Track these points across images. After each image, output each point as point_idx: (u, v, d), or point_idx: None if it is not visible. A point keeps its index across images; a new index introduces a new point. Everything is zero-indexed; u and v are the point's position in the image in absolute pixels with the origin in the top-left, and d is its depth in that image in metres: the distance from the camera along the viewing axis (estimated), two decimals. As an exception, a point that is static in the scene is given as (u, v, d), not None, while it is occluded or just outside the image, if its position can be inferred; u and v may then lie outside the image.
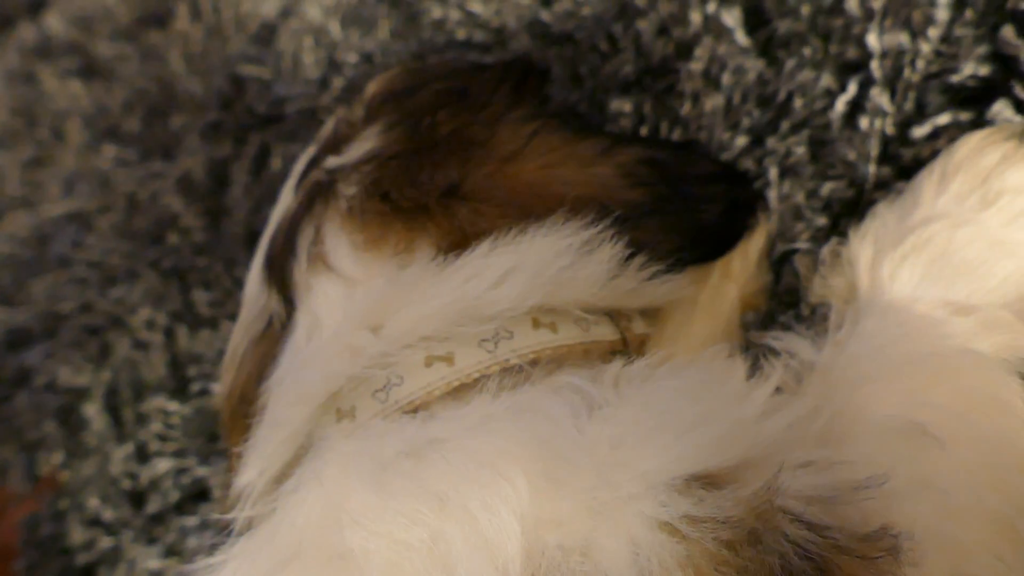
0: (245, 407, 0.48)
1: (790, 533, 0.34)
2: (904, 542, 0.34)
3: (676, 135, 0.58)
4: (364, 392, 0.43)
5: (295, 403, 0.43)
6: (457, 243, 0.45)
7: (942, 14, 0.50)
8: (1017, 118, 0.48)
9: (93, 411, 0.72)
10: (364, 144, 0.50)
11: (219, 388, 0.52)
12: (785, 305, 0.50)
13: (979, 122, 0.49)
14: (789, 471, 0.35)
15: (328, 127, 0.56)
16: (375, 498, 0.37)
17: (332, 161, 0.51)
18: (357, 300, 0.45)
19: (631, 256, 0.44)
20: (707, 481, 0.35)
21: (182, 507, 0.65)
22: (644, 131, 0.60)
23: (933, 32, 0.50)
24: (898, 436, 0.37)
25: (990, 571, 0.35)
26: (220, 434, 0.66)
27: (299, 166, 0.55)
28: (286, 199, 0.54)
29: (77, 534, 0.66)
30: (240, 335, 0.50)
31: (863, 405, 0.39)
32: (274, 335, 0.49)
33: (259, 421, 0.45)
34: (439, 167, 0.47)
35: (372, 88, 0.55)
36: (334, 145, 0.52)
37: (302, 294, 0.47)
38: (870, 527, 0.34)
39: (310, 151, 0.56)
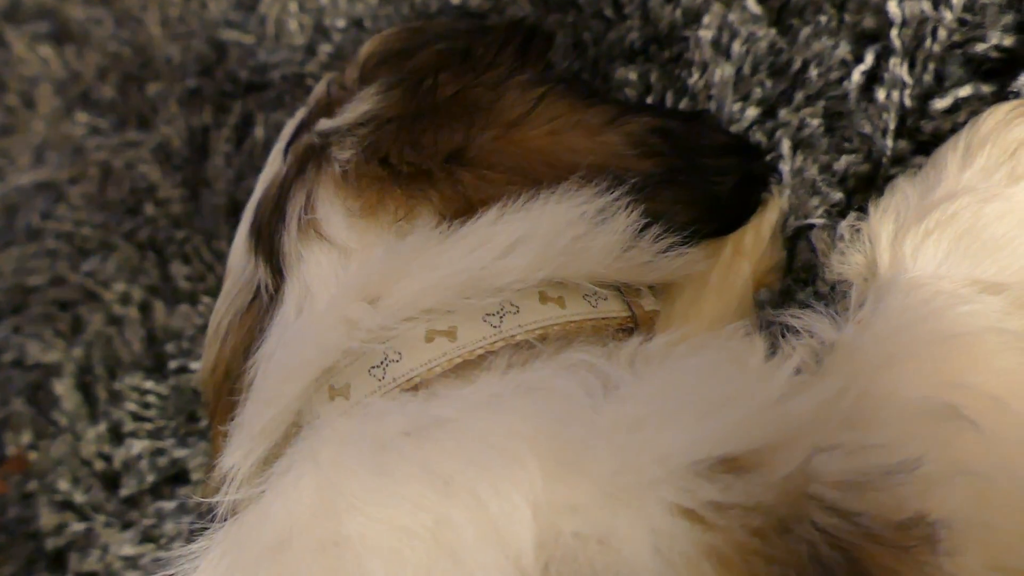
0: (230, 383, 0.45)
1: (819, 521, 0.31)
2: (941, 530, 0.32)
3: (684, 106, 0.56)
4: (360, 369, 0.40)
5: (285, 379, 0.40)
6: (461, 211, 0.42)
7: (967, -19, 0.48)
8: (1045, 90, 0.46)
9: (64, 389, 0.68)
10: (360, 106, 0.47)
11: (202, 363, 0.49)
12: (802, 282, 0.48)
13: (1002, 95, 0.47)
14: (817, 455, 0.33)
15: (320, 89, 0.53)
16: (375, 481, 0.34)
17: (325, 124, 0.48)
18: (352, 270, 0.42)
19: (646, 227, 0.42)
20: (733, 465, 0.32)
21: (159, 490, 0.62)
22: (650, 101, 0.57)
23: (957, 0, 0.48)
24: (930, 418, 0.35)
25: (1029, 562, 0.33)
26: (200, 413, 0.63)
27: (288, 129, 0.52)
28: (274, 164, 0.51)
29: (47, 518, 0.63)
30: (224, 307, 0.47)
31: (891, 386, 0.37)
32: (261, 307, 0.46)
33: (246, 398, 0.42)
34: (442, 130, 0.44)
35: (368, 48, 0.52)
36: (327, 108, 0.49)
37: (292, 264, 0.45)
38: (904, 515, 0.32)
39: (300, 114, 0.52)
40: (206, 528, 0.39)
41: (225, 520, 0.39)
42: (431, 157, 0.43)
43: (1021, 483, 0.34)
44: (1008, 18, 0.47)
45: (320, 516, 0.35)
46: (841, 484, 0.33)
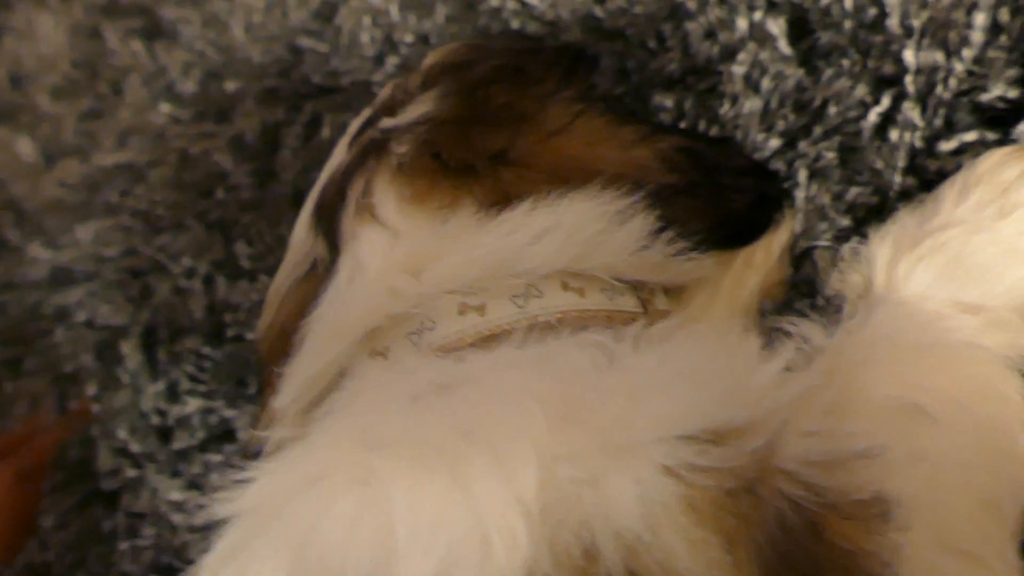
0: (284, 340, 0.50)
1: (787, 490, 0.36)
2: (894, 508, 0.36)
3: (713, 133, 0.61)
4: (399, 333, 0.45)
5: (334, 336, 0.46)
6: (499, 203, 0.47)
7: (977, 36, 0.53)
8: (1041, 139, 0.50)
9: (129, 348, 0.75)
10: (419, 108, 0.53)
11: (260, 322, 0.55)
12: (802, 295, 0.53)
13: (1004, 141, 0.52)
14: (793, 436, 0.38)
15: (385, 92, 0.59)
16: (405, 424, 0.39)
17: (387, 122, 0.53)
18: (400, 248, 0.48)
19: (661, 230, 0.47)
20: (713, 436, 0.37)
21: (207, 446, 0.68)
22: (683, 126, 0.62)
23: (967, 53, 0.53)
24: (897, 414, 0.39)
25: (974, 544, 0.37)
26: (250, 380, 0.69)
27: (354, 126, 0.58)
28: (339, 154, 0.57)
29: (104, 461, 0.69)
30: (284, 275, 0.53)
31: (868, 385, 0.41)
32: (317, 277, 0.51)
33: (298, 352, 0.48)
34: (489, 134, 0.50)
35: (432, 58, 0.58)
36: (390, 108, 0.55)
37: (348, 241, 0.50)
38: (864, 493, 0.36)
39: (366, 112, 0.59)
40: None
41: (271, 454, 0.44)
42: (478, 155, 0.49)
43: (970, 476, 0.38)
44: (1012, 72, 0.52)
45: (354, 452, 0.40)
46: (813, 463, 0.37)
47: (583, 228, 0.45)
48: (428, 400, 0.40)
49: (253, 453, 0.49)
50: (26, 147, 1.11)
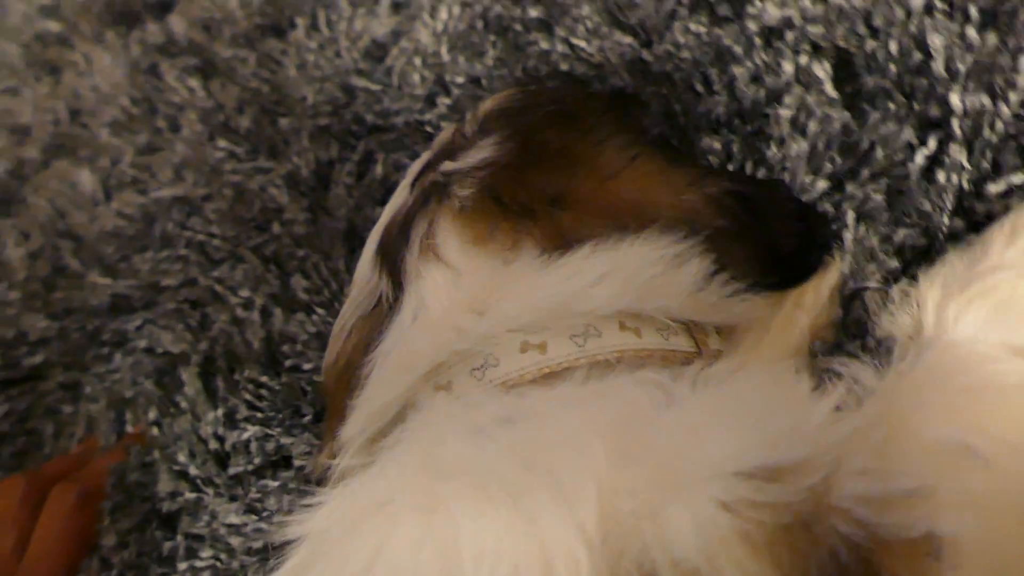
0: (349, 373, 0.53)
1: (842, 528, 0.37)
2: (945, 547, 0.37)
3: (761, 175, 0.63)
4: (463, 369, 0.48)
5: (401, 370, 0.48)
6: (558, 246, 0.49)
7: (1023, 81, 0.54)
8: (1088, 183, 0.51)
9: (188, 376, 0.78)
10: (480, 153, 0.55)
11: (326, 355, 0.57)
12: (852, 336, 0.54)
13: (1051, 185, 0.53)
14: (846, 475, 0.39)
15: (444, 136, 0.62)
16: (470, 455, 0.41)
17: (448, 165, 0.56)
18: (463, 288, 0.50)
19: (715, 273, 0.48)
20: (768, 473, 0.38)
21: (263, 472, 0.70)
22: (731, 168, 0.64)
23: (1014, 97, 0.54)
24: (948, 454, 0.40)
25: (1028, 583, 0.38)
26: (305, 408, 0.72)
27: (414, 168, 0.61)
28: (400, 196, 0.59)
29: (164, 484, 0.72)
30: (350, 310, 0.56)
31: (918, 425, 0.42)
32: (381, 313, 0.54)
33: (364, 385, 0.50)
34: (548, 178, 0.52)
35: (488, 104, 0.61)
36: (450, 152, 0.58)
37: (411, 280, 0.53)
38: (916, 531, 0.37)
39: (425, 156, 0.61)
40: (310, 493, 0.46)
41: (338, 482, 0.46)
42: (537, 199, 0.51)
43: (1022, 515, 0.39)
44: (1059, 117, 0.53)
45: (420, 479, 0.42)
46: (865, 501, 0.38)
47: (641, 272, 0.47)
48: (492, 432, 0.42)
49: (317, 479, 0.51)
50: (85, 178, 1.16)
